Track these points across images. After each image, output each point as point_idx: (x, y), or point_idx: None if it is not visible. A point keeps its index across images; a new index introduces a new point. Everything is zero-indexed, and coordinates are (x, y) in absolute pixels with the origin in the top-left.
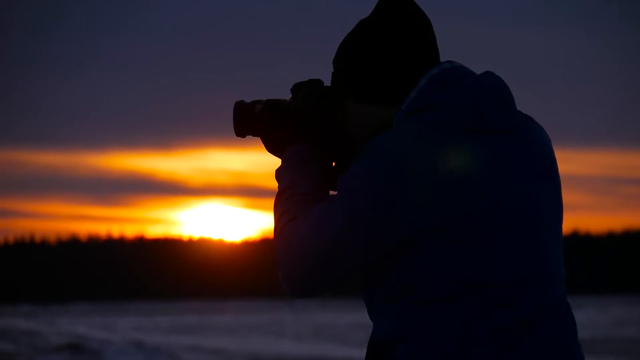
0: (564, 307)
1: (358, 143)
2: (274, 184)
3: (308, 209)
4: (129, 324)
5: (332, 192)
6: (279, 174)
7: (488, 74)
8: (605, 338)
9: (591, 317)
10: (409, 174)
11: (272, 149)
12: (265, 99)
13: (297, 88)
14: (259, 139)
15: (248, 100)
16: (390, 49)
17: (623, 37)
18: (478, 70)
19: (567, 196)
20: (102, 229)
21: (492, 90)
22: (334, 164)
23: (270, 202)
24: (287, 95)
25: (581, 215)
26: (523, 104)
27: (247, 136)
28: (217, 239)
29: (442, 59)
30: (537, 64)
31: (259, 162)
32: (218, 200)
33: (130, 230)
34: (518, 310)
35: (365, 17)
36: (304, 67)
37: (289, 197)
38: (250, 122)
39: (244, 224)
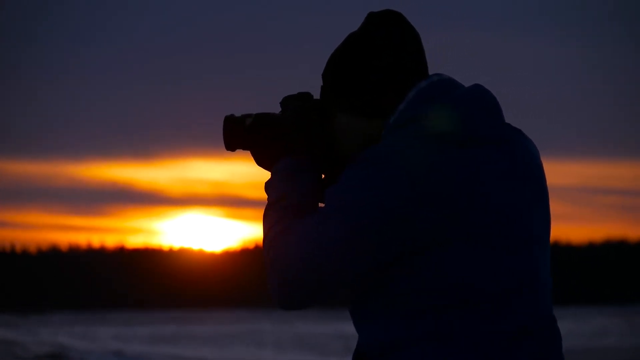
0: (552, 318)
1: (347, 156)
2: (254, 194)
3: (301, 220)
4: (109, 333)
5: (320, 205)
6: (268, 186)
7: (476, 87)
8: (586, 348)
9: (571, 328)
10: (406, 184)
11: (261, 162)
12: (254, 112)
13: (286, 101)
14: (248, 152)
15: (237, 114)
16: (380, 62)
17: (604, 47)
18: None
19: None
20: (82, 239)
21: (480, 103)
22: (322, 176)
23: (251, 212)
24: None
25: (561, 226)
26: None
27: (237, 150)
28: (197, 249)
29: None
30: (514, 73)
31: (239, 172)
32: (198, 210)
33: (110, 240)
34: (515, 319)
35: (354, 31)
36: (283, 72)
37: (279, 209)
38: (240, 136)
39: (225, 233)
